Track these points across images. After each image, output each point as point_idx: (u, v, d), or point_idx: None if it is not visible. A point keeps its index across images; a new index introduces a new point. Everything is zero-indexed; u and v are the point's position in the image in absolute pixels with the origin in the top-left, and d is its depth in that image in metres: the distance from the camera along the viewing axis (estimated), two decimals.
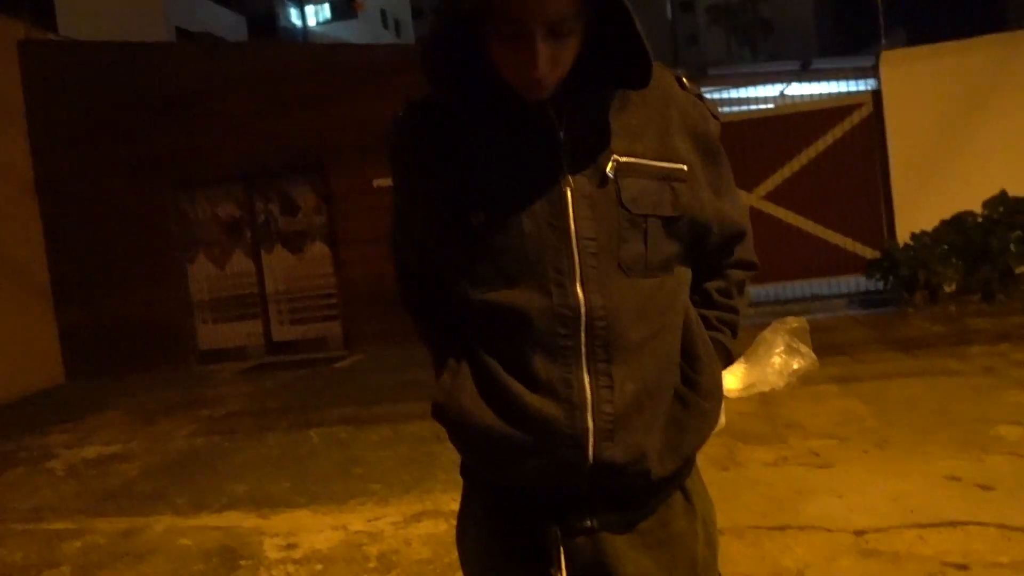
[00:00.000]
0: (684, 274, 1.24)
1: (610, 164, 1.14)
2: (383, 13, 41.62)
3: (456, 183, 1.16)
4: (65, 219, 9.97)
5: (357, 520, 3.98)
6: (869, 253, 8.55)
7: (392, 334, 8.37)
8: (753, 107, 9.84)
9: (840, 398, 5.13)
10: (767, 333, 1.36)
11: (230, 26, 27.24)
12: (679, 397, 1.18)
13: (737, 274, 1.33)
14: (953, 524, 3.18)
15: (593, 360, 1.12)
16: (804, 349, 1.36)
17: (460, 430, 1.19)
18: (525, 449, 1.13)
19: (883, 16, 12.56)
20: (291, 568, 3.53)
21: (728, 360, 1.32)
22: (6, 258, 9.37)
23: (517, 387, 1.13)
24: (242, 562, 3.64)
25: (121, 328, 9.77)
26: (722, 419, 1.28)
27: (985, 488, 3.50)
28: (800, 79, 10.47)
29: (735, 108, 9.70)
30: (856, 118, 8.76)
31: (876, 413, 4.77)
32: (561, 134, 1.14)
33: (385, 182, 6.88)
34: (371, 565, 3.46)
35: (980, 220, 7.90)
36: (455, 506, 1.33)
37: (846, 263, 8.71)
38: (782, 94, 10.55)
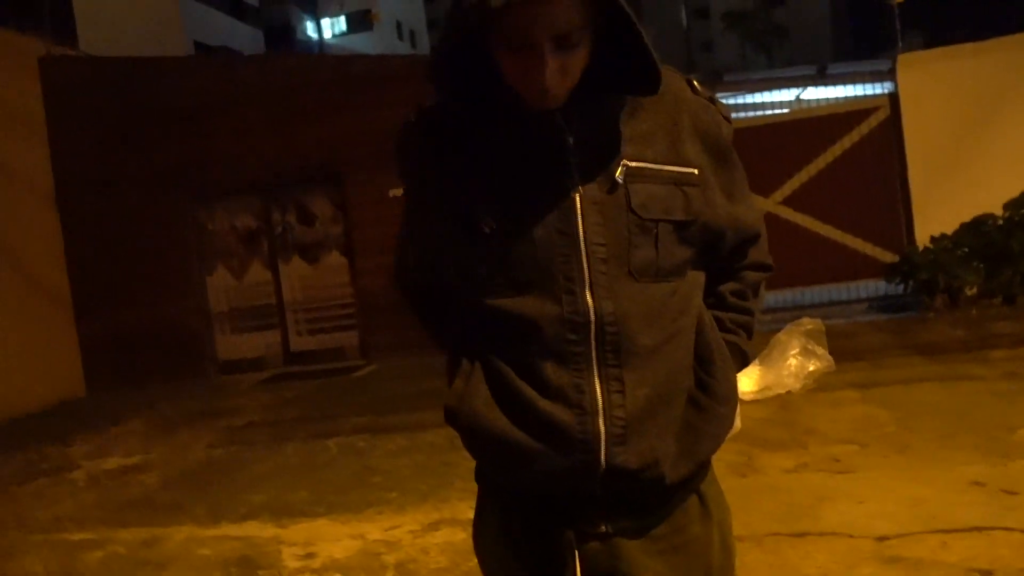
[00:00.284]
0: (697, 278, 1.23)
1: (620, 170, 1.14)
2: (398, 24, 41.91)
3: (466, 189, 1.17)
4: (85, 231, 10.08)
5: (375, 529, 3.98)
6: (888, 257, 8.47)
7: (409, 343, 8.35)
8: (769, 112, 9.79)
9: (860, 404, 5.08)
10: (782, 335, 1.35)
11: (247, 40, 27.53)
12: (693, 402, 1.18)
13: (752, 276, 1.33)
14: (977, 530, 3.13)
15: (604, 365, 1.12)
16: (820, 351, 1.35)
17: (473, 435, 1.19)
18: (537, 454, 1.13)
19: (899, 19, 12.48)
20: None
21: (743, 362, 1.31)
22: (27, 271, 9.49)
23: (529, 392, 1.13)
24: (261, 572, 3.65)
25: (141, 339, 9.85)
26: (737, 423, 1.27)
27: (1009, 493, 3.45)
28: (816, 83, 10.41)
29: (751, 113, 9.65)
30: (873, 122, 8.70)
31: (897, 419, 4.71)
32: (570, 140, 1.14)
33: (400, 192, 6.88)
34: (389, 574, 3.46)
35: (1000, 223, 7.81)
36: (472, 514, 1.33)
37: (865, 267, 8.64)
38: (798, 99, 10.50)
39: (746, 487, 3.84)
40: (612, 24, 1.07)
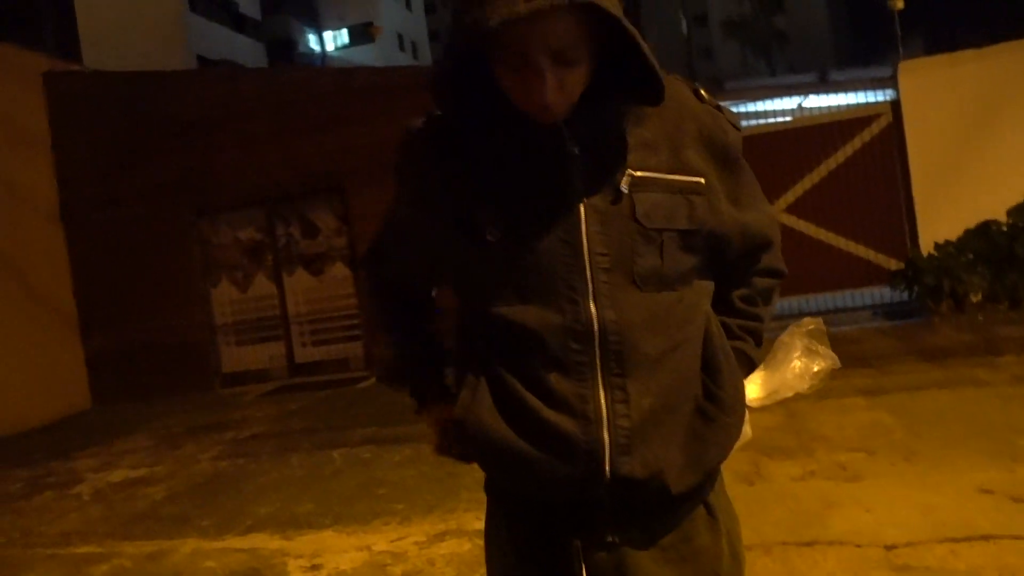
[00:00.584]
0: (705, 287, 1.23)
1: (625, 179, 1.14)
2: (399, 37, 42.08)
3: (471, 197, 1.17)
4: (89, 245, 10.11)
5: (381, 540, 3.97)
6: (892, 264, 8.46)
7: None
8: (771, 120, 9.81)
9: (867, 410, 5.06)
10: (784, 337, 1.35)
11: (249, 53, 27.66)
12: (700, 411, 1.17)
13: (763, 282, 1.32)
14: (986, 538, 3.11)
15: (608, 375, 1.12)
16: (823, 350, 1.34)
17: (479, 445, 1.19)
18: (543, 464, 1.12)
19: (900, 25, 12.51)
20: None
21: (750, 369, 1.31)
22: (32, 285, 9.52)
23: (534, 402, 1.13)
24: None
25: (146, 352, 9.86)
26: (748, 431, 1.26)
27: (1018, 500, 3.43)
28: (818, 91, 10.44)
29: (753, 122, 9.68)
30: (875, 128, 8.71)
31: (904, 425, 4.69)
32: (575, 150, 1.14)
33: None
34: None
35: (1005, 228, 7.80)
36: (478, 525, 1.33)
37: (869, 274, 8.63)
38: (800, 106, 10.51)
39: (754, 495, 3.82)
40: (613, 36, 1.08)
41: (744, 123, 9.29)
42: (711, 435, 1.18)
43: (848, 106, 9.24)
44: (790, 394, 1.33)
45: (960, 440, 4.27)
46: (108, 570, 4.06)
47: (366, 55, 35.47)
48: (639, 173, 1.14)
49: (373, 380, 9.09)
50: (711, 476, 1.23)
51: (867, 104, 9.05)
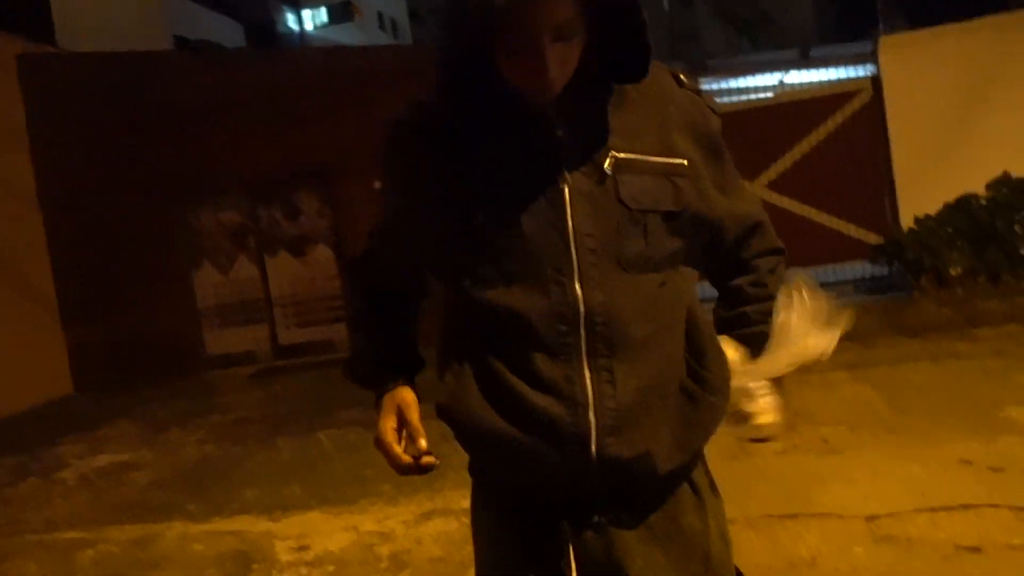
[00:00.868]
0: (690, 274, 1.24)
1: (608, 160, 1.14)
2: (379, 15, 41.64)
3: (457, 183, 1.16)
4: (69, 231, 9.98)
5: (368, 521, 3.99)
6: (873, 239, 8.51)
7: None
8: (752, 96, 9.80)
9: (850, 384, 5.12)
10: (781, 313, 1.32)
11: (228, 33, 27.29)
12: (686, 392, 1.18)
13: (766, 262, 1.34)
14: (966, 507, 3.17)
15: (594, 357, 1.12)
16: (820, 302, 1.34)
17: (466, 430, 1.19)
18: (530, 447, 1.13)
19: (881, 1, 12.51)
20: (304, 570, 3.54)
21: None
22: (12, 273, 9.40)
23: (520, 386, 1.13)
24: (255, 566, 3.66)
25: (129, 338, 9.77)
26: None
27: (997, 470, 3.49)
28: (799, 67, 10.43)
29: (734, 98, 9.65)
30: (856, 104, 8.72)
31: (886, 399, 4.75)
32: (559, 132, 1.14)
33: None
34: (383, 565, 3.47)
35: (984, 203, 7.86)
36: (465, 504, 1.33)
37: (851, 249, 8.67)
38: (781, 83, 10.51)
39: (738, 470, 3.86)
40: (601, 11, 1.08)
41: (726, 99, 9.29)
42: (698, 416, 1.19)
43: (829, 82, 9.24)
44: (817, 352, 1.34)
45: (941, 413, 4.33)
46: (95, 556, 4.06)
47: (345, 34, 35.10)
48: (623, 155, 1.15)
49: None
50: (696, 455, 1.24)
51: (848, 80, 9.06)
